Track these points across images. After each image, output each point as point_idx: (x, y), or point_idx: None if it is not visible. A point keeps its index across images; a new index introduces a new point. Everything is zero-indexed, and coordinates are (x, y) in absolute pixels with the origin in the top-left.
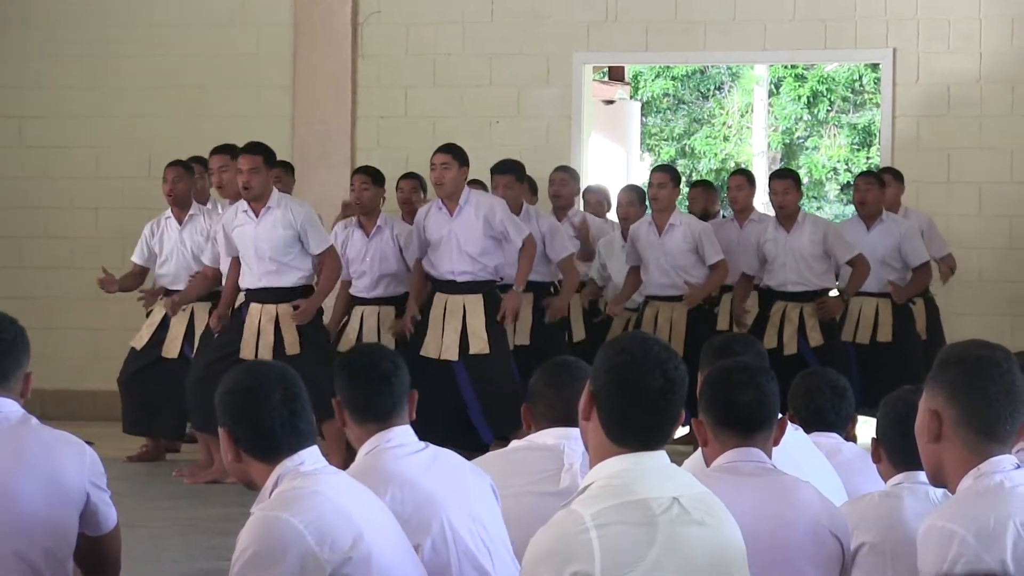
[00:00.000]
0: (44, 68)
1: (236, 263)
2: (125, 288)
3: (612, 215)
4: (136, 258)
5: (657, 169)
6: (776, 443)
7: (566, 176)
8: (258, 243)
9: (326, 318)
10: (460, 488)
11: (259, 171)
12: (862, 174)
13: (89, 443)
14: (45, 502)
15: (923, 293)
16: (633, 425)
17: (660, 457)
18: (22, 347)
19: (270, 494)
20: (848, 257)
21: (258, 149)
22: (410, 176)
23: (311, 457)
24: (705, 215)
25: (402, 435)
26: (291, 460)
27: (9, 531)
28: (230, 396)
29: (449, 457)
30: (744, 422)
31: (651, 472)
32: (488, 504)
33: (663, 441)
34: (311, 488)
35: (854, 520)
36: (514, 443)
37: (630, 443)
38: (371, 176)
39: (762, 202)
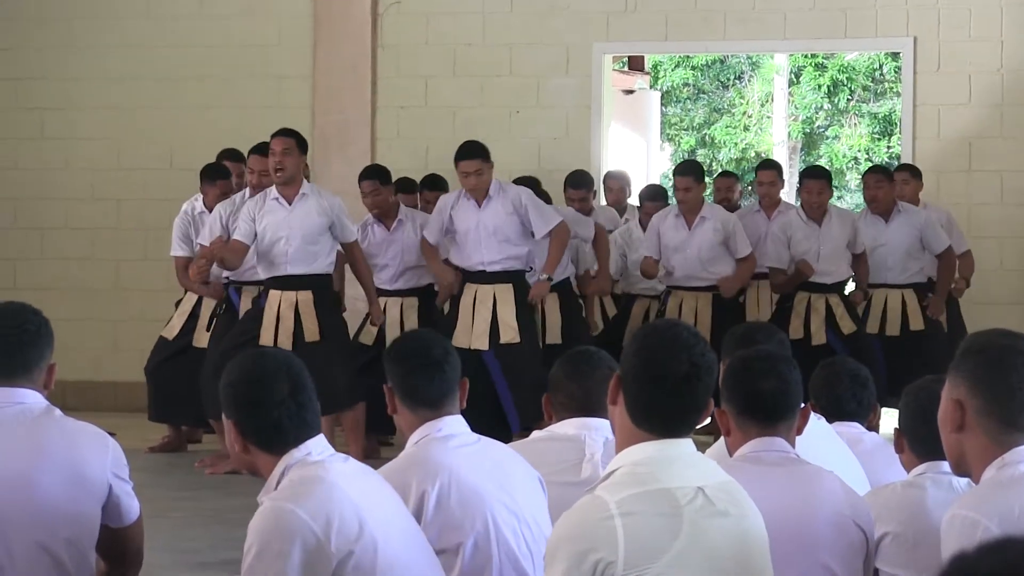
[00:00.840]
0: (65, 60)
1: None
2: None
3: (633, 200)
4: (182, 252)
5: (680, 173)
6: (800, 432)
7: (584, 192)
8: (292, 230)
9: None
10: (507, 485)
11: (291, 152)
12: (871, 171)
13: (111, 434)
14: (68, 493)
15: None
16: (657, 410)
17: (686, 445)
18: (46, 338)
19: (276, 484)
20: (860, 250)
21: (291, 133)
22: (433, 187)
23: (317, 446)
24: (728, 205)
25: (453, 425)
26: (298, 450)
27: (32, 522)
28: (234, 388)
29: (499, 450)
30: (766, 411)
31: (676, 460)
32: (535, 501)
33: (689, 428)
34: (318, 477)
35: (877, 510)
36: (535, 433)
37: (654, 428)
38: (379, 178)
39: (784, 191)
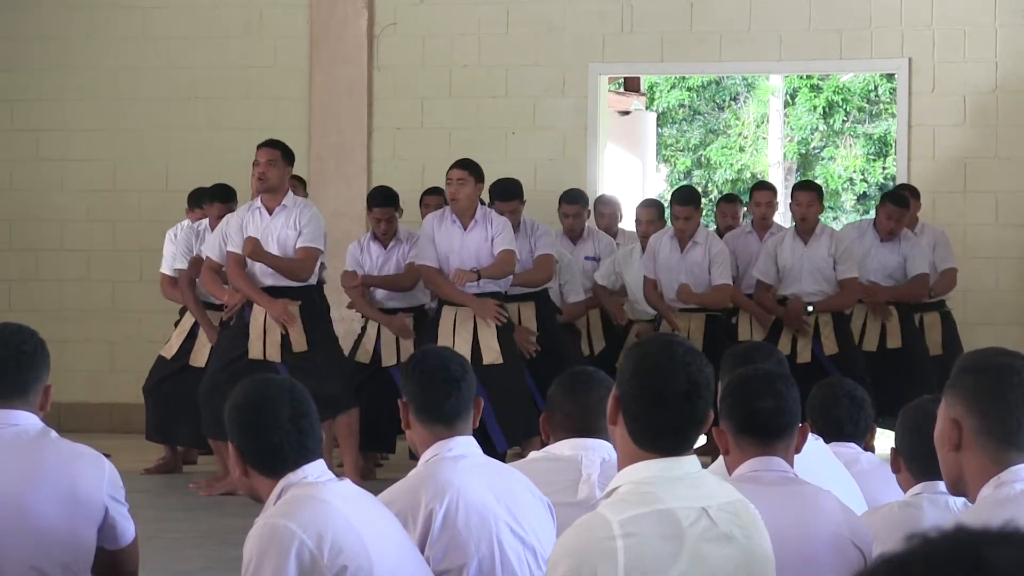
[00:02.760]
0: (61, 81)
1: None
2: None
3: (624, 225)
4: (185, 265)
5: (681, 203)
6: (798, 450)
7: (579, 208)
8: (267, 240)
9: (339, 326)
10: (514, 508)
11: (276, 164)
12: (893, 201)
13: (107, 456)
14: (63, 516)
15: (938, 306)
16: (658, 429)
17: (690, 463)
18: (42, 360)
19: (274, 504)
20: (847, 276)
21: (277, 144)
22: (434, 192)
23: (315, 470)
24: (731, 231)
25: (464, 446)
26: (295, 474)
27: (27, 544)
28: (237, 412)
29: (508, 474)
30: (764, 429)
31: (681, 480)
32: (542, 526)
33: (690, 445)
34: (312, 495)
35: (873, 530)
36: (532, 454)
37: (656, 447)
38: (394, 205)
39: (779, 212)
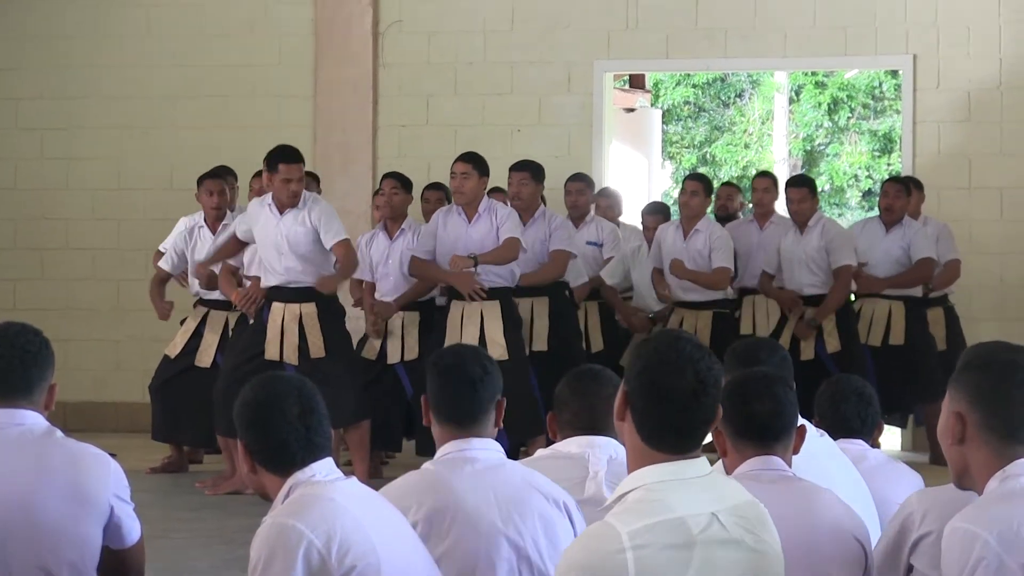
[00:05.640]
0: (65, 80)
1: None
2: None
3: (624, 219)
4: (165, 265)
5: (691, 177)
6: (796, 452)
7: (583, 186)
8: (279, 239)
9: (350, 325)
10: (515, 517)
11: (303, 179)
12: (891, 180)
13: (112, 455)
14: (69, 515)
15: (942, 301)
16: (667, 426)
17: (699, 465)
18: (47, 359)
19: (282, 503)
20: (839, 264)
21: (302, 158)
22: (435, 187)
23: (323, 468)
24: (725, 213)
25: (478, 448)
26: (303, 472)
27: (33, 544)
28: (246, 409)
29: (519, 480)
30: (762, 432)
31: (691, 483)
32: (547, 533)
33: (698, 442)
34: (320, 495)
35: (924, 507)
36: (539, 452)
37: (665, 444)
38: (400, 181)
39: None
